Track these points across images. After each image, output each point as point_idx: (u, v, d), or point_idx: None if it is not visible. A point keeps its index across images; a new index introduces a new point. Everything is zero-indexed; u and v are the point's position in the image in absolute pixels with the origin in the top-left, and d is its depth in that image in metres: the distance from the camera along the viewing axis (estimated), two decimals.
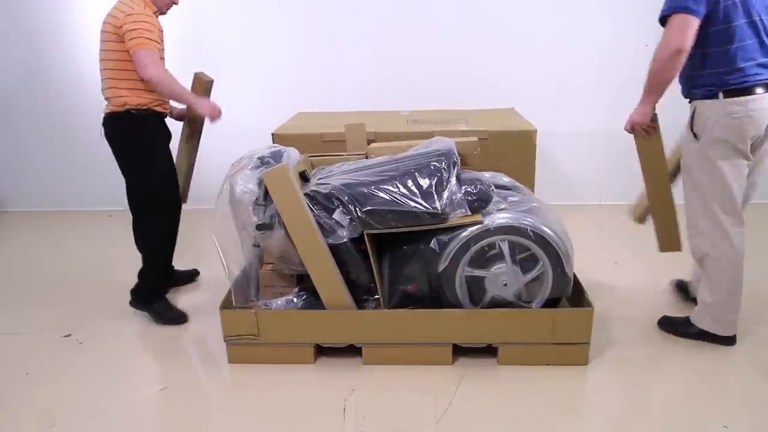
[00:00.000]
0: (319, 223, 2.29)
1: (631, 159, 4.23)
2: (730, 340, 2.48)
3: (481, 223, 2.29)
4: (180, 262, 3.51)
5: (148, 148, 2.74)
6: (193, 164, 3.05)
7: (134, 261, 3.59)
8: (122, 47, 2.60)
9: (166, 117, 2.85)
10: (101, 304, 3.05)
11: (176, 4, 2.81)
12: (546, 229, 2.29)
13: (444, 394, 2.24)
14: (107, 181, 4.55)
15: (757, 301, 2.85)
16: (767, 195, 4.29)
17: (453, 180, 2.29)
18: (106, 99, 2.73)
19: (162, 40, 2.71)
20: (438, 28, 3.93)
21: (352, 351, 2.44)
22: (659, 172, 2.54)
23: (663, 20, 2.23)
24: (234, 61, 4.16)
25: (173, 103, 2.86)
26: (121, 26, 2.57)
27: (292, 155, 2.60)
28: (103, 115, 2.75)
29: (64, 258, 3.70)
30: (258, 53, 4.12)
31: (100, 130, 2.75)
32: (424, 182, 2.27)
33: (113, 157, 2.75)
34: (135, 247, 2.93)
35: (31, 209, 4.62)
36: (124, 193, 2.57)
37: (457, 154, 2.44)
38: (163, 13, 2.78)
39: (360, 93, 3.48)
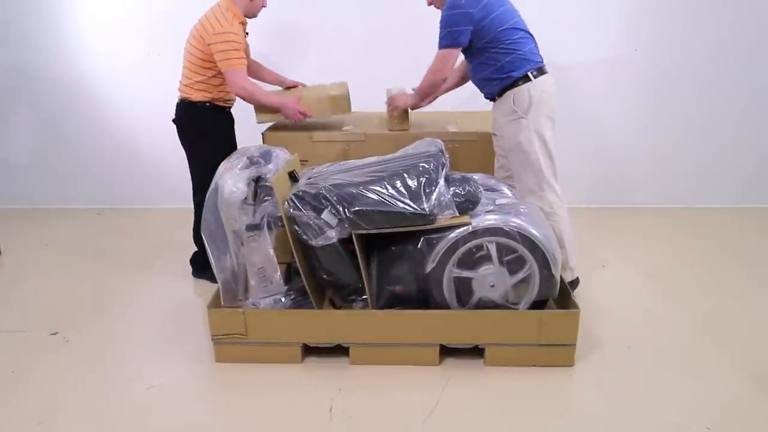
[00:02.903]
0: (307, 224, 2.29)
1: (619, 163, 4.32)
2: (576, 283, 2.93)
3: (469, 224, 2.30)
4: (167, 261, 3.52)
5: (200, 136, 3.05)
6: None
7: (122, 258, 3.59)
8: (202, 54, 2.93)
9: (227, 109, 3.16)
10: (89, 302, 3.04)
11: (265, 6, 3.08)
12: (533, 231, 2.31)
13: (431, 394, 2.25)
14: (96, 178, 4.54)
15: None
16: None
17: (441, 181, 2.29)
18: (179, 89, 3.09)
19: (247, 46, 3.12)
20: (431, 30, 3.94)
21: (339, 351, 2.44)
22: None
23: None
24: None
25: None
26: (209, 44, 2.88)
27: (281, 155, 2.61)
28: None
29: (52, 256, 3.67)
30: None
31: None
32: (413, 183, 2.27)
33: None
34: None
35: (19, 207, 4.59)
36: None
37: (446, 155, 2.45)
38: (254, 16, 3.08)
39: (351, 93, 3.49)
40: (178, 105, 3.09)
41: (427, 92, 2.93)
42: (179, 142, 3.12)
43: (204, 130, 3.06)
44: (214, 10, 2.95)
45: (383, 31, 3.97)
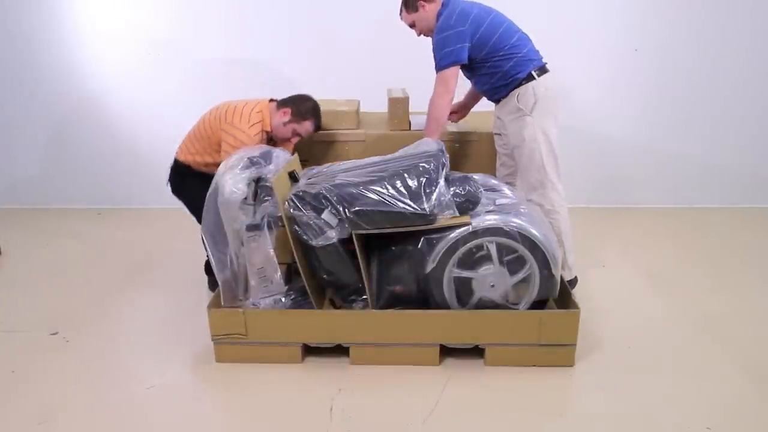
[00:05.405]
0: (307, 224, 2.29)
1: (619, 163, 4.32)
2: (574, 282, 2.95)
3: (469, 224, 2.30)
4: (168, 261, 3.52)
5: (197, 192, 2.75)
6: None
7: (122, 258, 3.59)
8: (214, 136, 2.80)
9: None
10: (89, 302, 3.04)
11: (293, 143, 2.96)
12: (533, 231, 2.31)
13: (431, 394, 2.25)
14: (96, 178, 4.54)
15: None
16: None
17: (441, 181, 2.29)
18: (182, 151, 2.95)
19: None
20: None
21: (339, 351, 2.44)
22: None
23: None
24: (225, 59, 4.15)
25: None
26: (222, 129, 2.75)
27: (281, 155, 2.61)
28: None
29: (52, 256, 3.67)
30: (248, 51, 4.12)
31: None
32: (413, 183, 2.27)
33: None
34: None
35: (19, 207, 4.59)
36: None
37: (446, 155, 2.45)
38: (279, 140, 2.93)
39: (351, 93, 3.49)
40: (177, 167, 2.97)
41: (440, 118, 2.76)
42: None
43: (202, 188, 2.74)
44: (250, 103, 2.84)
45: (385, 32, 3.97)
